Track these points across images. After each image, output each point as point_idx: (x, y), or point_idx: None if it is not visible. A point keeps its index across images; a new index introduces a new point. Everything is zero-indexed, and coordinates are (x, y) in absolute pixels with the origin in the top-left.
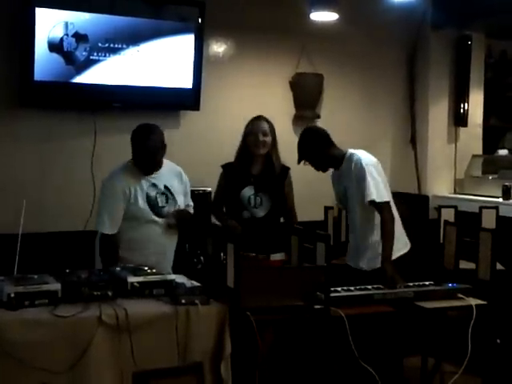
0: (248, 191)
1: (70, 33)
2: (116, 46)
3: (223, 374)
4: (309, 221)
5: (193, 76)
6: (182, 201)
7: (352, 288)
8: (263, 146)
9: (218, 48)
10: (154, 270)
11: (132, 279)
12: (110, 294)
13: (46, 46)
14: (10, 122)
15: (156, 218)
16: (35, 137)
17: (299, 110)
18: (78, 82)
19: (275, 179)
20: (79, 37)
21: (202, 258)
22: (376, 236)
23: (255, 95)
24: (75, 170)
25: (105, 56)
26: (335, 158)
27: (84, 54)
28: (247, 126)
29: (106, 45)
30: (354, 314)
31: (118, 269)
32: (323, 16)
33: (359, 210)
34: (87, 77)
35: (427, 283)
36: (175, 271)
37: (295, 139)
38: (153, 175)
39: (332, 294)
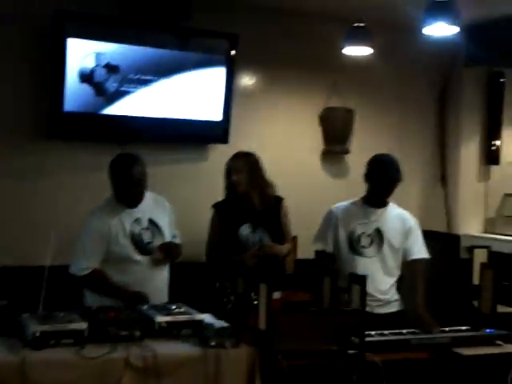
0: (245, 229)
1: (102, 63)
2: (146, 77)
3: None
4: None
5: (223, 109)
6: (169, 233)
7: (386, 332)
8: (239, 185)
9: (248, 81)
10: (182, 310)
11: (160, 319)
12: (137, 334)
13: (76, 76)
14: (37, 154)
15: (141, 258)
16: (63, 168)
17: (328, 145)
18: (106, 114)
19: (270, 213)
20: (110, 68)
21: (232, 297)
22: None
23: (284, 129)
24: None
25: (135, 87)
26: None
27: (114, 85)
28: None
29: (137, 76)
30: (390, 360)
31: (145, 307)
32: (356, 51)
33: (391, 257)
34: (116, 108)
35: (464, 328)
36: (204, 310)
37: (323, 174)
38: (135, 209)
39: (367, 339)
